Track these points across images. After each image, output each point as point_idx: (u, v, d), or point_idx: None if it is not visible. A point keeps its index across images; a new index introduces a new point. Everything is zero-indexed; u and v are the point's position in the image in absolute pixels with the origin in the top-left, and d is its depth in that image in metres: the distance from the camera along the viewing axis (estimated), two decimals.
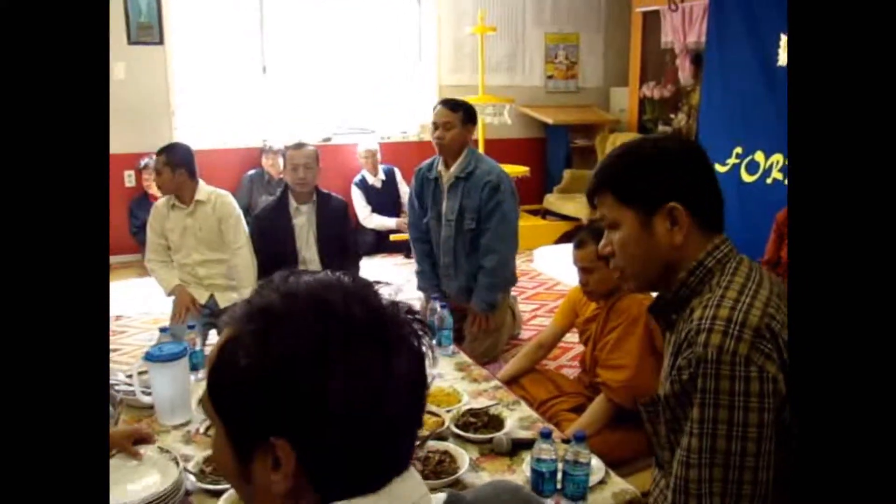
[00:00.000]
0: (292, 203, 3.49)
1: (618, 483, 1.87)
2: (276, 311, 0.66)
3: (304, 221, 3.50)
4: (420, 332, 0.70)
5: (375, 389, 0.64)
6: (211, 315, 3.48)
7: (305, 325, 0.65)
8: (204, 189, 3.41)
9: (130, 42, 5.37)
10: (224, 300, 3.48)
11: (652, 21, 6.51)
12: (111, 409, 2.48)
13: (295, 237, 3.48)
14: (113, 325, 4.00)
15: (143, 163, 5.31)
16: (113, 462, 1.85)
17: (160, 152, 3.37)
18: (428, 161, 3.59)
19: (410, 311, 0.71)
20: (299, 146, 3.46)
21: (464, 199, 3.35)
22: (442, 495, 0.72)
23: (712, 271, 1.24)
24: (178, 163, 3.31)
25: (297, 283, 0.69)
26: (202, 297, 3.46)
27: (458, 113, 3.34)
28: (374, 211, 5.81)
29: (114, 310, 4.06)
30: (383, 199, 5.87)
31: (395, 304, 0.70)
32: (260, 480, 0.68)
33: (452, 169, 3.39)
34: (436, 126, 3.36)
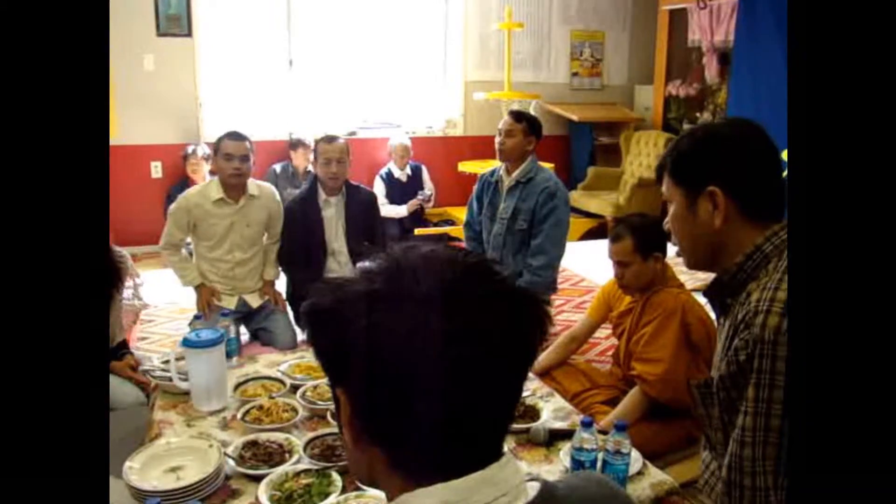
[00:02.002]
0: (321, 195, 3.50)
1: (656, 474, 1.87)
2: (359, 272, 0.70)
3: (332, 213, 3.51)
4: (531, 316, 0.69)
5: (429, 351, 0.63)
6: (246, 317, 3.45)
7: (369, 279, 0.67)
8: (251, 182, 3.36)
9: (159, 34, 5.41)
10: (254, 300, 3.45)
11: (678, 19, 6.48)
12: (145, 394, 2.50)
13: (324, 228, 3.48)
14: (141, 314, 4.03)
15: (189, 150, 5.33)
16: (153, 449, 1.86)
17: (242, 138, 3.22)
18: (491, 168, 3.80)
19: (527, 298, 0.70)
20: (331, 139, 3.44)
21: (520, 201, 3.50)
22: (536, 483, 0.71)
23: (769, 256, 1.25)
24: (253, 153, 3.27)
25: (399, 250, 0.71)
26: (231, 303, 3.36)
27: (522, 123, 3.51)
28: (392, 204, 5.82)
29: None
30: (407, 194, 5.87)
31: (493, 284, 0.69)
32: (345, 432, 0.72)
33: (514, 174, 3.54)
34: (500, 133, 3.53)
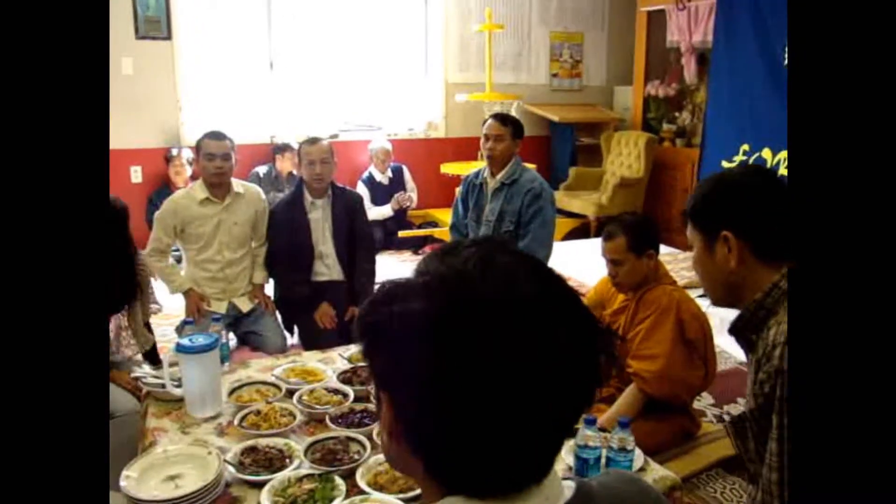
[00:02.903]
0: (308, 198, 3.47)
1: (657, 469, 1.87)
2: (403, 285, 0.68)
3: (319, 216, 3.48)
4: (583, 339, 0.65)
5: (496, 369, 0.61)
6: (234, 322, 3.42)
7: (432, 293, 0.64)
8: (236, 182, 3.35)
9: (138, 37, 5.34)
10: (244, 304, 3.42)
11: (657, 20, 6.53)
12: (138, 401, 2.46)
13: (311, 231, 3.46)
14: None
15: (173, 152, 5.28)
16: (150, 458, 1.83)
17: (223, 137, 3.21)
18: (475, 169, 3.79)
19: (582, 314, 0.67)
20: (314, 141, 3.41)
21: (506, 203, 3.51)
22: (571, 483, 0.71)
23: (786, 293, 1.30)
24: (234, 152, 3.26)
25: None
26: (220, 307, 3.32)
27: (509, 127, 3.51)
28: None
29: None
30: (390, 196, 5.86)
31: (559, 298, 0.66)
32: (384, 441, 0.71)
33: (499, 176, 3.55)
34: (487, 138, 3.52)
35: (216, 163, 3.18)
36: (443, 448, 0.64)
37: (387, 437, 0.69)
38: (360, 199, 3.69)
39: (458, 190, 3.86)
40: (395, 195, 5.81)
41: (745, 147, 5.33)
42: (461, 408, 0.61)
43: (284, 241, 3.44)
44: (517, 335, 0.61)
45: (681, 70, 6.39)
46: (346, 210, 3.52)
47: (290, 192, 3.63)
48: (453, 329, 0.61)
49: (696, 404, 2.95)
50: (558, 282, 0.67)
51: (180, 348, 2.10)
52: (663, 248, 5.32)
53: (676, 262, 5.00)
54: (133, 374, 2.43)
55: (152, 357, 2.83)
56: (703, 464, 2.56)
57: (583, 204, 6.25)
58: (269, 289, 3.59)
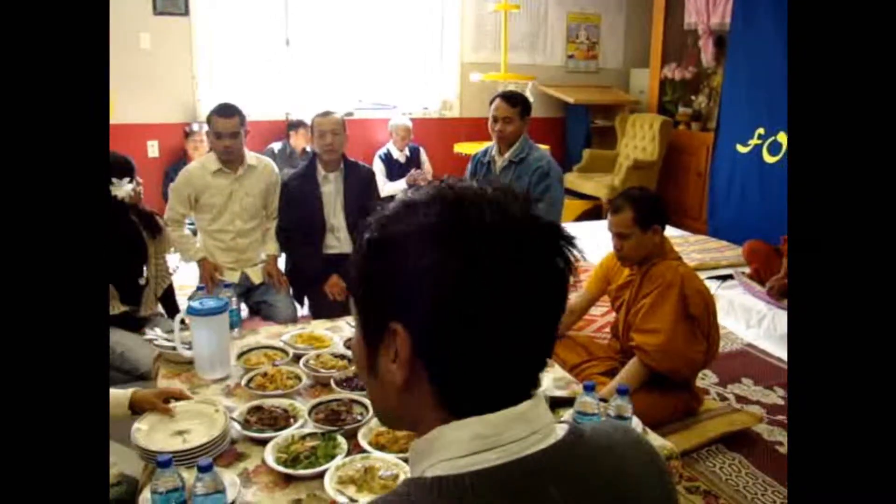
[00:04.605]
0: (320, 171, 3.51)
1: (655, 439, 1.90)
2: (400, 204, 0.69)
3: (331, 189, 3.52)
4: (564, 254, 0.68)
5: (493, 287, 0.64)
6: (246, 292, 3.49)
7: (425, 210, 0.66)
8: (250, 154, 3.41)
9: (156, 13, 5.38)
10: (256, 276, 3.49)
11: (675, 2, 6.48)
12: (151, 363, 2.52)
13: (322, 204, 3.49)
14: None
15: (194, 127, 5.32)
16: (159, 413, 1.88)
17: (231, 114, 3.24)
18: (483, 148, 3.78)
19: (560, 233, 0.69)
20: (326, 114, 3.45)
21: (513, 181, 3.49)
22: (564, 425, 0.72)
23: None
24: (244, 125, 3.32)
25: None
26: (233, 277, 3.42)
27: (517, 108, 3.50)
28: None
29: None
30: (405, 175, 5.88)
31: (536, 220, 0.69)
32: (384, 373, 0.70)
33: (507, 154, 3.55)
34: (495, 119, 3.51)
35: (224, 142, 3.24)
36: (460, 367, 0.66)
37: (400, 375, 0.68)
38: (371, 173, 3.72)
39: (467, 168, 3.88)
40: (411, 171, 5.82)
41: (761, 131, 5.29)
42: (482, 322, 0.64)
43: (296, 214, 3.48)
44: (515, 253, 0.65)
45: (698, 53, 6.34)
46: (359, 184, 3.55)
47: (303, 165, 3.67)
48: (461, 244, 0.64)
49: (700, 383, 2.97)
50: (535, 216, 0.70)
51: (191, 310, 2.15)
52: (675, 231, 5.36)
53: (688, 245, 5.00)
54: (146, 336, 2.49)
55: (168, 304, 3.11)
56: (703, 439, 2.58)
57: (596, 186, 6.24)
58: (281, 262, 3.63)
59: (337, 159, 3.49)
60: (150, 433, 1.80)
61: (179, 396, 1.95)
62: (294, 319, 3.31)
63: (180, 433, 1.82)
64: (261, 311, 3.50)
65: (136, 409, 1.87)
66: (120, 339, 2.71)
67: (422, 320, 0.65)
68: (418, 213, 0.66)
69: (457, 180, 0.70)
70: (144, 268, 2.92)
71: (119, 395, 1.87)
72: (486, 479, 0.64)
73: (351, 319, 2.70)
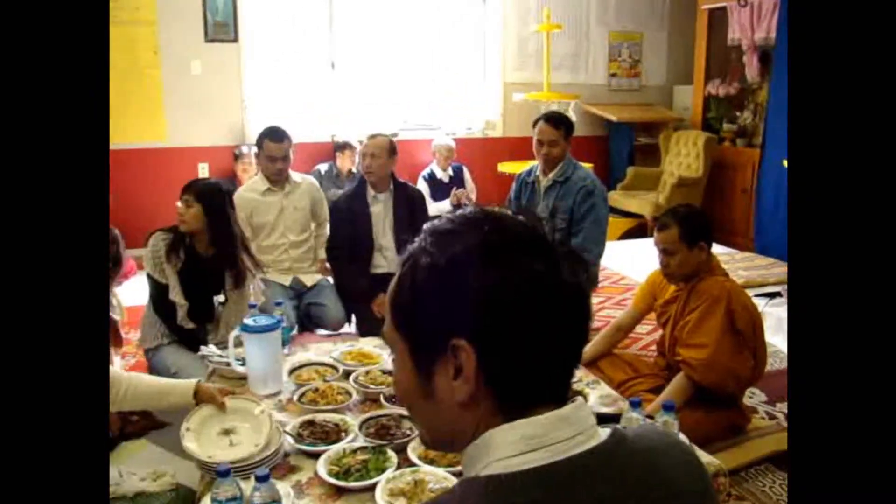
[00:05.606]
0: (370, 191, 3.58)
1: (702, 455, 1.89)
2: (446, 228, 0.74)
3: (380, 209, 3.58)
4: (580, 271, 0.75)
5: (545, 296, 0.70)
6: (297, 297, 3.65)
7: (474, 230, 0.72)
8: (293, 173, 3.72)
9: (207, 40, 5.57)
10: (309, 280, 3.71)
11: (718, 18, 6.45)
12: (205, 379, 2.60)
13: (371, 224, 3.57)
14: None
15: (244, 150, 5.47)
16: (205, 410, 1.96)
17: (282, 138, 3.54)
18: (527, 168, 3.83)
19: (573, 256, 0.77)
20: (373, 136, 3.56)
21: (558, 200, 3.54)
22: (607, 429, 0.76)
23: None
24: (292, 148, 3.64)
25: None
26: (285, 280, 3.64)
27: (561, 130, 3.55)
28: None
29: None
30: (448, 194, 5.93)
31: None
32: (442, 393, 0.73)
33: (551, 174, 3.59)
34: (540, 143, 3.55)
35: (277, 165, 3.56)
36: (518, 374, 0.71)
37: (464, 392, 0.71)
38: (421, 195, 3.80)
39: (511, 187, 3.92)
40: (454, 190, 5.87)
41: None
42: (539, 328, 0.70)
43: (345, 233, 3.56)
44: (558, 265, 0.72)
45: (742, 68, 6.30)
46: (407, 204, 3.62)
47: (352, 186, 3.76)
48: (513, 258, 0.70)
49: (748, 401, 2.94)
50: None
51: (245, 328, 2.21)
52: (721, 248, 5.31)
53: (734, 262, 4.95)
54: (200, 353, 2.56)
55: None
56: (752, 457, 2.55)
57: (640, 203, 6.22)
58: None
59: (384, 180, 3.56)
60: (199, 431, 1.90)
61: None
62: (344, 321, 3.53)
63: (227, 432, 1.91)
64: (312, 313, 3.65)
65: (199, 399, 1.99)
66: (176, 360, 2.79)
67: (486, 332, 0.69)
68: (470, 234, 0.72)
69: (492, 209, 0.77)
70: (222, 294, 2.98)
71: (185, 385, 2.02)
72: (535, 477, 0.67)
73: None
